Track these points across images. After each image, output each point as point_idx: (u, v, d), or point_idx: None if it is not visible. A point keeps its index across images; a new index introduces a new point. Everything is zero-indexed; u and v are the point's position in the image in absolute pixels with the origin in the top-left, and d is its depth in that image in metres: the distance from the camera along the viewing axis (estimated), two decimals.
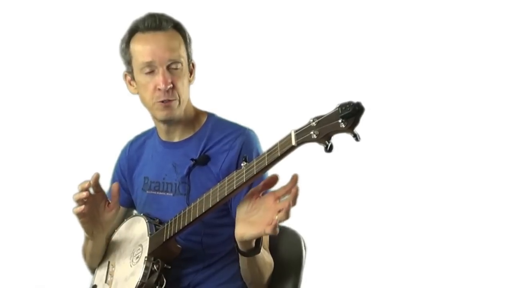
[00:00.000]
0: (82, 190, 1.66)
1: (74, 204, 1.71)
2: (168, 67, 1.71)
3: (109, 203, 1.74)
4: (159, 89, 1.70)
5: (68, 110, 3.08)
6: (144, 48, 1.72)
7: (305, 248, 1.84)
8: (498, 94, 2.92)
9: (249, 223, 1.49)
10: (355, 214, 2.93)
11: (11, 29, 3.11)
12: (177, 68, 1.72)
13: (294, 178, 1.45)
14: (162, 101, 1.71)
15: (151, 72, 1.72)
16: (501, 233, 2.86)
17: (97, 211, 1.73)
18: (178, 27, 1.77)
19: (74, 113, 3.07)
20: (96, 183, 1.68)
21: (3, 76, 3.12)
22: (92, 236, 1.78)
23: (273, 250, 1.77)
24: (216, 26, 3.00)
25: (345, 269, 2.86)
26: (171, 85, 1.70)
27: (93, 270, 1.92)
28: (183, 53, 1.74)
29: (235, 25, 3.01)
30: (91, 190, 1.68)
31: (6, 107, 3.12)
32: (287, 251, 1.84)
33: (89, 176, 1.69)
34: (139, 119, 1.95)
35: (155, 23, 1.73)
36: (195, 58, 1.83)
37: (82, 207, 1.67)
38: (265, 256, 1.65)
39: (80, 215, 1.69)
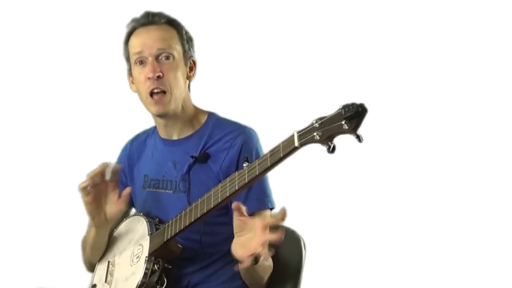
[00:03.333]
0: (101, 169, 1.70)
1: (74, 204, 1.71)
2: (158, 58, 1.73)
3: (119, 197, 1.75)
4: (148, 78, 1.72)
5: (68, 110, 3.08)
6: (137, 41, 1.76)
7: (304, 248, 1.85)
8: (500, 96, 2.92)
9: (239, 243, 1.49)
10: (355, 214, 2.93)
11: (11, 29, 3.10)
12: (168, 59, 1.73)
13: (283, 212, 1.44)
14: (152, 94, 1.72)
15: (143, 63, 1.74)
16: (501, 233, 2.87)
17: (105, 199, 1.75)
18: (173, 24, 1.79)
19: (75, 113, 3.07)
20: (116, 172, 1.72)
21: (3, 76, 3.11)
22: (94, 221, 1.78)
23: None
24: (219, 26, 3.00)
25: (345, 269, 2.86)
26: (160, 74, 1.71)
27: (89, 266, 1.91)
28: (175, 45, 1.76)
29: (238, 25, 3.01)
30: (108, 175, 1.71)
31: (6, 107, 3.11)
32: (287, 251, 1.83)
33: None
34: (140, 119, 1.95)
35: (147, 19, 1.78)
36: (197, 58, 1.84)
37: (87, 182, 1.70)
38: (265, 262, 1.63)
39: (84, 191, 1.71)
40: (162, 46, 1.73)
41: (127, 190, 1.76)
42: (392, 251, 2.90)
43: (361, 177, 2.94)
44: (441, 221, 2.91)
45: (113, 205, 1.76)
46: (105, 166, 1.71)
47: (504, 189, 2.89)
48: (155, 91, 1.72)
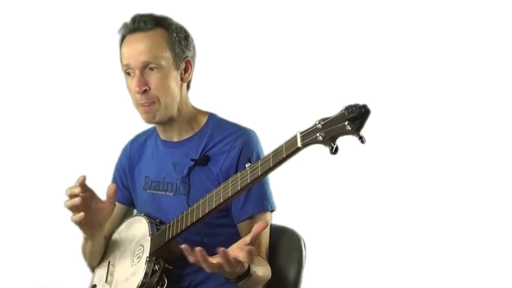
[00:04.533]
0: (72, 195, 1.62)
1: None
2: (144, 70, 1.70)
3: (99, 200, 1.69)
4: (136, 92, 1.71)
5: (68, 110, 3.08)
6: (124, 51, 1.74)
7: (304, 248, 1.85)
8: (502, 97, 2.93)
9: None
10: (355, 214, 2.93)
11: (11, 29, 3.09)
12: (153, 70, 1.70)
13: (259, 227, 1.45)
14: (141, 104, 1.72)
15: (131, 74, 1.73)
16: (501, 233, 2.87)
17: (91, 211, 1.68)
18: (163, 26, 1.75)
19: (75, 113, 3.07)
20: (82, 185, 1.63)
21: (3, 77, 3.10)
22: (92, 236, 1.76)
23: (272, 249, 1.77)
24: (220, 26, 2.99)
25: (345, 269, 2.87)
26: (146, 88, 1.70)
27: (93, 269, 1.91)
28: (162, 53, 1.71)
29: (239, 26, 3.00)
30: (80, 194, 1.63)
31: (6, 108, 3.11)
32: (287, 251, 1.84)
33: (87, 176, 1.67)
34: (139, 119, 1.94)
35: (133, 25, 1.74)
36: (196, 58, 1.82)
37: (82, 214, 1.62)
38: (256, 277, 1.59)
39: (79, 222, 1.65)
40: (147, 58, 1.69)
41: (112, 189, 1.69)
42: (392, 251, 2.90)
43: (361, 177, 2.94)
44: (441, 221, 2.92)
45: (101, 211, 1.70)
46: (83, 179, 1.63)
47: (504, 189, 2.90)
48: (144, 104, 1.72)
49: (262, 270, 1.64)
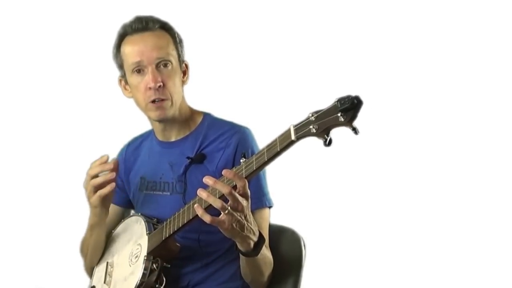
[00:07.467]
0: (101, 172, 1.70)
1: (72, 205, 1.71)
2: (157, 66, 1.72)
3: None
4: (149, 88, 1.71)
5: (66, 112, 3.08)
6: (133, 49, 1.74)
7: (304, 248, 1.84)
8: (496, 93, 2.92)
9: None
10: (355, 213, 2.92)
11: (10, 30, 3.11)
12: (166, 66, 1.73)
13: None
14: (154, 101, 1.72)
15: (141, 72, 1.73)
16: (501, 233, 2.86)
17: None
18: (166, 27, 1.78)
19: (73, 115, 3.07)
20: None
21: (3, 77, 3.13)
22: (101, 219, 1.77)
23: (272, 249, 1.77)
24: (211, 25, 3.00)
25: (345, 269, 2.86)
26: (161, 83, 1.71)
27: (90, 270, 1.90)
28: (172, 51, 1.75)
29: (231, 23, 3.01)
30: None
31: (5, 109, 3.12)
32: (287, 251, 1.84)
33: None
34: (137, 121, 1.94)
35: (141, 25, 1.76)
36: (190, 57, 1.84)
37: (113, 184, 1.69)
38: (265, 255, 1.65)
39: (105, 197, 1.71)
40: (161, 54, 1.72)
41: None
42: (392, 250, 2.89)
43: (361, 177, 2.94)
44: (441, 219, 2.91)
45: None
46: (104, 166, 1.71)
47: (503, 187, 2.89)
48: (157, 100, 1.73)
49: (268, 251, 1.67)
